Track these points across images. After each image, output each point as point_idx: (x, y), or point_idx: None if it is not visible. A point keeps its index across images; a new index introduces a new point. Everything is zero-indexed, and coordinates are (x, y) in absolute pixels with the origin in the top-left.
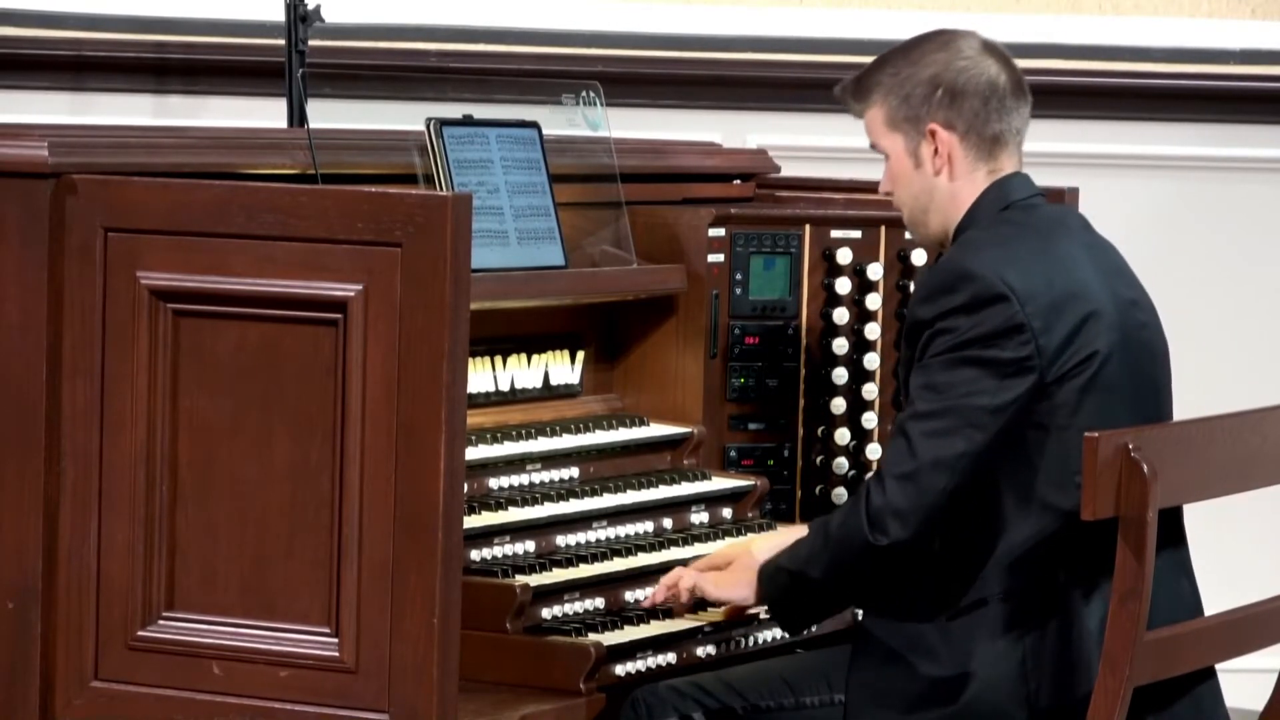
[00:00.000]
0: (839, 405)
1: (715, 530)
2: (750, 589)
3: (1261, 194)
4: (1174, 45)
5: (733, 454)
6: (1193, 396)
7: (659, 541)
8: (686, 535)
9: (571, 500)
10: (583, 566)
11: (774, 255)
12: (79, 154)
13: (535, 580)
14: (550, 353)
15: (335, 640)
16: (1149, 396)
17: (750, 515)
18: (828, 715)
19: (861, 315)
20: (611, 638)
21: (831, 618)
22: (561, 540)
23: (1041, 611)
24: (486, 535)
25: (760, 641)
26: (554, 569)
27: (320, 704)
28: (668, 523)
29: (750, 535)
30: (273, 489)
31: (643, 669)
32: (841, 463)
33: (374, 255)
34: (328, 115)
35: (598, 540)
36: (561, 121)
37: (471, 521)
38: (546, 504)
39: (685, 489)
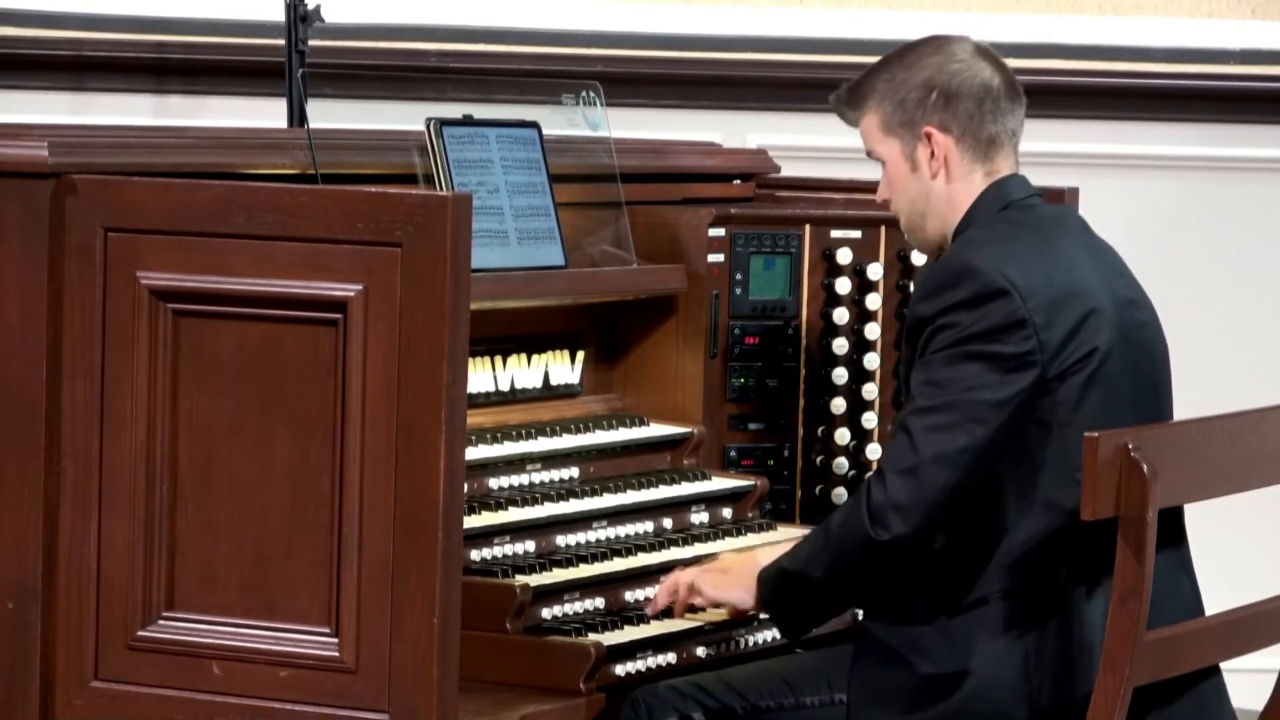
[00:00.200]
0: (839, 405)
1: (715, 530)
2: (749, 592)
3: (1261, 194)
4: (1174, 45)
5: (733, 454)
6: (1193, 396)
7: (659, 541)
8: (686, 535)
9: (571, 500)
10: (583, 566)
11: (774, 255)
12: (79, 154)
13: (535, 580)
14: (550, 353)
15: (335, 640)
16: (1149, 394)
17: (750, 515)
18: (828, 715)
19: (861, 315)
20: (611, 638)
21: (830, 621)
22: (561, 540)
23: (1043, 610)
24: (486, 535)
25: (760, 641)
26: (554, 569)
27: (320, 704)
28: (668, 523)
29: (751, 537)
30: (273, 489)
31: (643, 669)
32: (841, 463)
33: (374, 255)
34: (328, 115)
35: (598, 540)
36: (561, 121)
37: (471, 521)
38: (546, 504)
39: (685, 489)
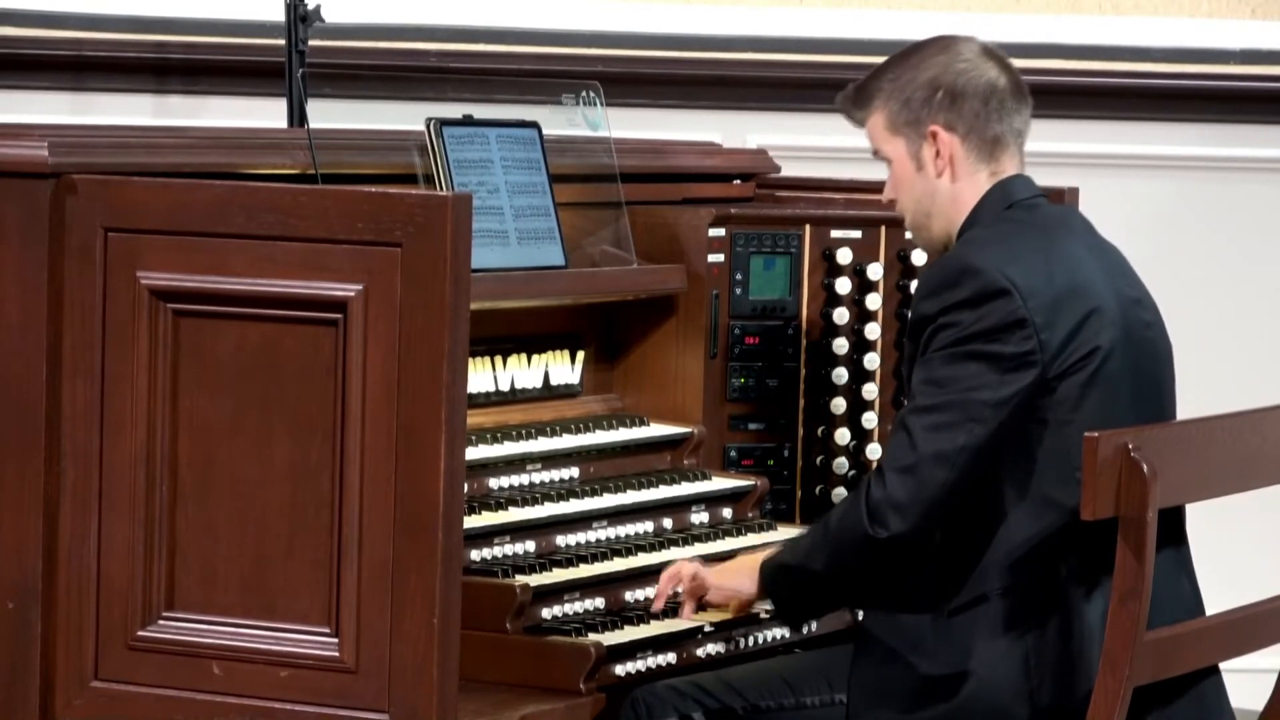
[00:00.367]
0: (839, 405)
1: (715, 530)
2: (751, 582)
3: (1261, 194)
4: (1174, 45)
5: (733, 454)
6: (1193, 396)
7: (659, 541)
8: (686, 535)
9: (571, 500)
10: (583, 566)
11: (774, 255)
12: (79, 154)
13: (535, 580)
14: (550, 353)
15: (335, 640)
16: (1151, 394)
17: (750, 515)
18: (828, 715)
19: (861, 315)
20: (611, 638)
21: (832, 614)
22: (561, 540)
23: (1042, 608)
24: (486, 535)
25: (761, 641)
26: (554, 569)
27: (320, 704)
28: (668, 523)
29: (751, 537)
30: (273, 489)
31: (643, 669)
32: (841, 463)
33: (374, 255)
34: (328, 115)
35: (598, 540)
36: (561, 121)
37: (471, 521)
38: (546, 504)
39: (685, 489)
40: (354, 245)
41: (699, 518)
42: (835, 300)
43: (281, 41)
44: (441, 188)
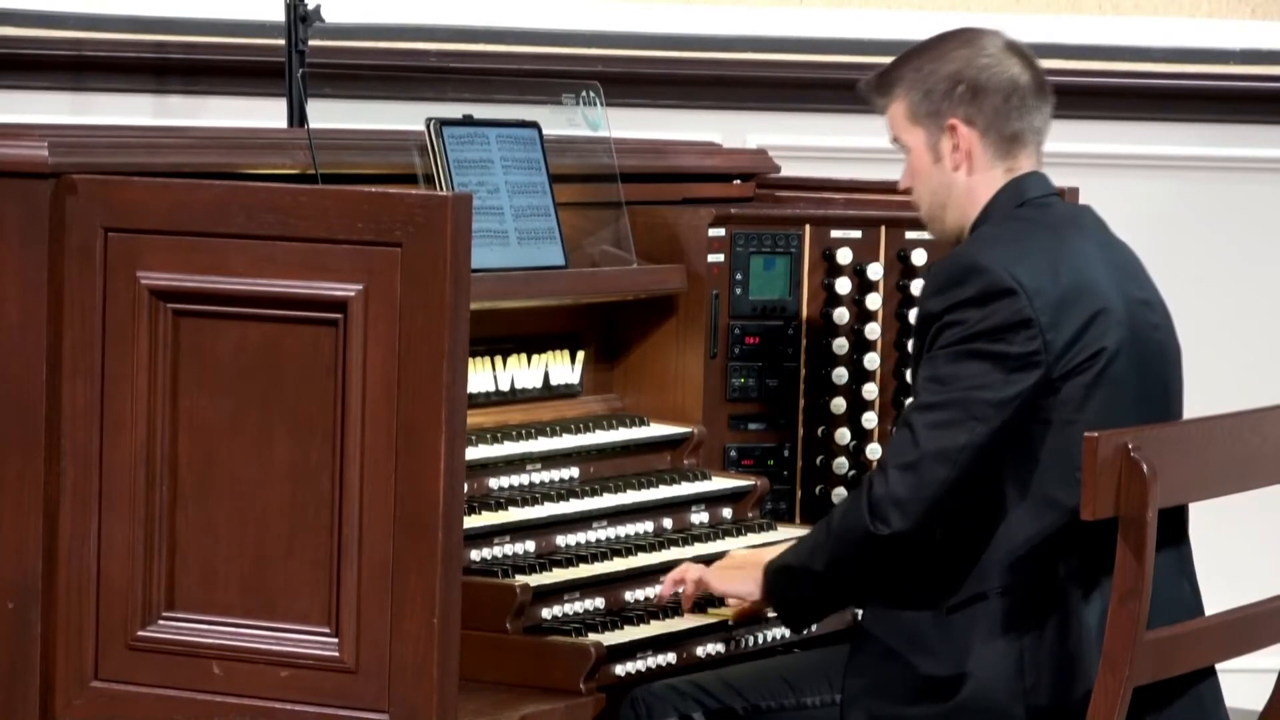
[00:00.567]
0: (839, 405)
1: (715, 530)
2: (755, 584)
3: (1261, 194)
4: (1174, 45)
5: (733, 454)
6: (1193, 396)
7: (659, 541)
8: (686, 535)
9: (571, 500)
10: (583, 566)
11: (774, 255)
12: (79, 154)
13: (535, 580)
14: (550, 353)
15: (335, 640)
16: (1157, 396)
17: (750, 515)
18: (829, 715)
19: (861, 315)
20: (611, 638)
21: (834, 614)
22: (561, 540)
23: (1041, 608)
24: (486, 535)
25: (761, 642)
26: (554, 569)
27: (320, 704)
28: (668, 523)
29: (751, 537)
30: (273, 489)
31: (643, 669)
32: (841, 463)
33: (374, 255)
34: (328, 115)
35: (598, 540)
36: (561, 121)
37: (471, 521)
38: (546, 504)
39: (685, 489)
40: (354, 245)
41: (699, 518)
42: (835, 300)
43: (281, 41)
44: (441, 188)
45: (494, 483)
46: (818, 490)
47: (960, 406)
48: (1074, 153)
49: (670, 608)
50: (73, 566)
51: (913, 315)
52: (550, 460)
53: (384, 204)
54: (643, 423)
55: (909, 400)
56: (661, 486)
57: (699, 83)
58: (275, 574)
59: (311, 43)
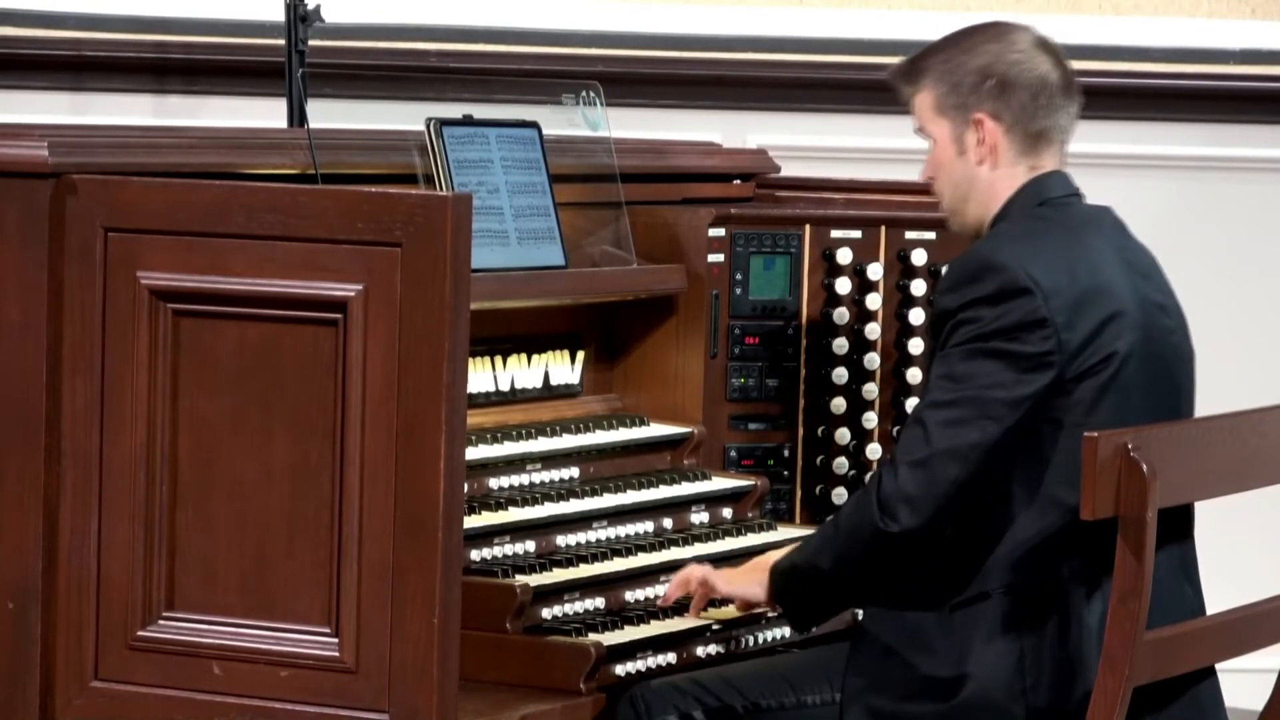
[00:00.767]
0: (839, 405)
1: (715, 530)
2: (761, 586)
3: (1261, 194)
4: (1174, 45)
5: (733, 454)
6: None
7: (659, 541)
8: (686, 535)
9: (571, 500)
10: (583, 566)
11: (774, 255)
12: (79, 154)
13: (535, 580)
14: (550, 353)
15: (335, 640)
16: (1168, 400)
17: (750, 515)
18: (828, 714)
19: (861, 315)
20: (611, 638)
21: (840, 614)
22: (561, 540)
23: (1043, 608)
24: (486, 535)
25: (761, 641)
26: (554, 569)
27: (320, 704)
28: (668, 523)
29: (751, 537)
30: (273, 489)
31: (643, 669)
32: (841, 463)
33: (374, 255)
34: (328, 115)
35: (598, 540)
36: (561, 121)
37: (471, 521)
38: (546, 504)
39: (685, 489)
40: (354, 245)
41: (699, 518)
42: (835, 300)
43: (281, 41)
44: (441, 188)
45: (494, 483)
46: (818, 490)
47: (973, 405)
48: (1074, 152)
49: (671, 608)
50: (73, 566)
51: (914, 315)
52: (550, 460)
53: (384, 204)
54: (643, 423)
55: (915, 400)
56: (661, 486)
57: (699, 83)
58: (275, 574)
59: (311, 43)
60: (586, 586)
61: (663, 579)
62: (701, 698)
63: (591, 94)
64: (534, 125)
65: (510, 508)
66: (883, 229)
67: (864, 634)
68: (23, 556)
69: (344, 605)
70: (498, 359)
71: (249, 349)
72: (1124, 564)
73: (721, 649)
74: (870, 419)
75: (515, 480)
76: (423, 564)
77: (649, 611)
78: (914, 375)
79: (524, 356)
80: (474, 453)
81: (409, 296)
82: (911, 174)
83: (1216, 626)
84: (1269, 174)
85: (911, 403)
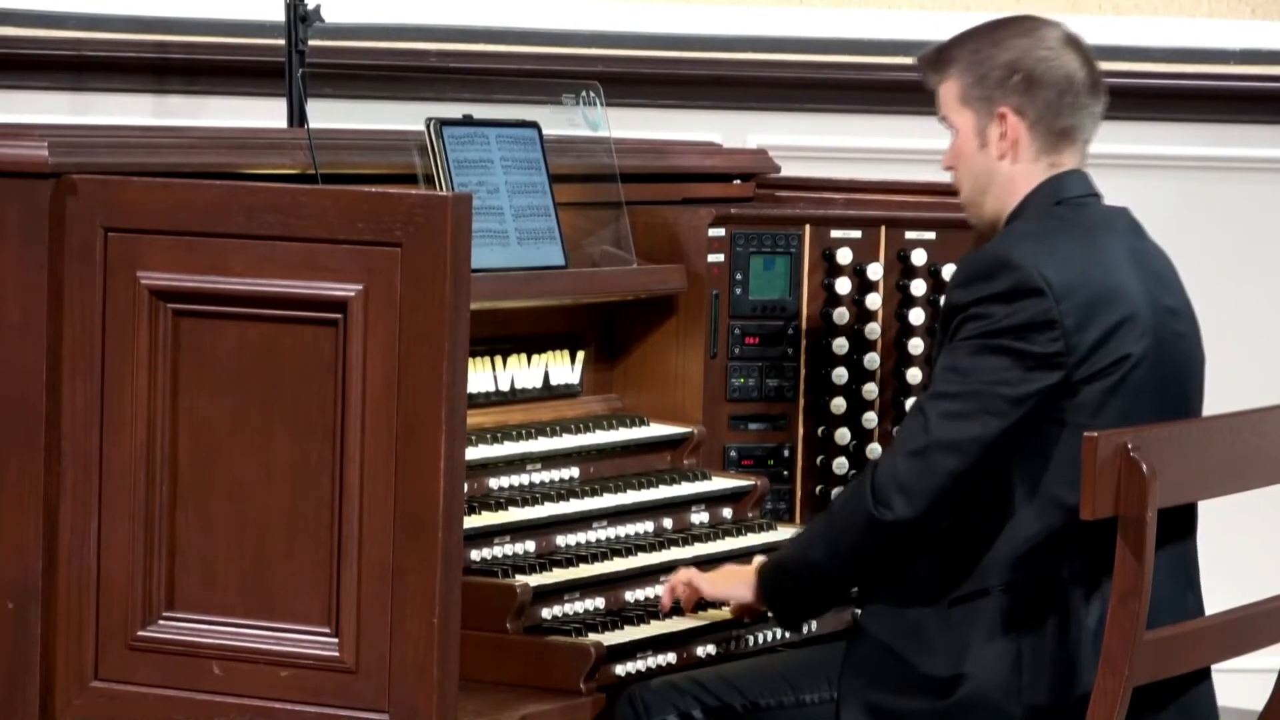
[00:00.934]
0: (839, 405)
1: (715, 530)
2: (747, 587)
3: (1261, 194)
4: (1174, 45)
5: (733, 454)
6: None
7: (659, 541)
8: (686, 535)
9: (571, 500)
10: (583, 566)
11: (774, 255)
12: (79, 154)
13: (535, 580)
14: (550, 353)
15: (335, 640)
16: (1176, 405)
17: (750, 515)
18: (827, 713)
19: (861, 315)
20: (611, 638)
21: (831, 614)
22: (561, 540)
23: (1041, 608)
24: (486, 535)
25: (760, 641)
26: (554, 569)
27: (320, 704)
28: (668, 523)
29: (751, 537)
30: (273, 489)
31: (643, 669)
32: (841, 463)
33: (374, 255)
34: (328, 115)
35: (598, 540)
36: (561, 121)
37: (471, 521)
38: (546, 504)
39: (685, 489)
40: (354, 245)
41: (699, 518)
42: (835, 300)
43: (281, 41)
44: (441, 188)
45: (494, 483)
46: (818, 490)
47: (975, 399)
48: None
49: (669, 612)
50: (73, 566)
51: (914, 315)
52: (550, 460)
53: (384, 204)
54: (643, 423)
55: (913, 395)
56: (661, 486)
57: (699, 83)
58: (275, 574)
59: (311, 43)
60: (586, 586)
61: (663, 579)
62: (701, 697)
63: (591, 94)
64: (534, 125)
65: (510, 508)
66: (883, 229)
67: (861, 631)
68: (23, 556)
69: (344, 605)
70: (498, 359)
71: (249, 349)
72: (1124, 564)
73: (722, 649)
74: (870, 419)
75: (515, 480)
76: (423, 564)
77: (649, 611)
78: (914, 375)
79: (524, 356)
80: (474, 453)
81: (409, 296)
82: (912, 174)
83: (1216, 627)
84: (1269, 174)
85: (911, 403)
